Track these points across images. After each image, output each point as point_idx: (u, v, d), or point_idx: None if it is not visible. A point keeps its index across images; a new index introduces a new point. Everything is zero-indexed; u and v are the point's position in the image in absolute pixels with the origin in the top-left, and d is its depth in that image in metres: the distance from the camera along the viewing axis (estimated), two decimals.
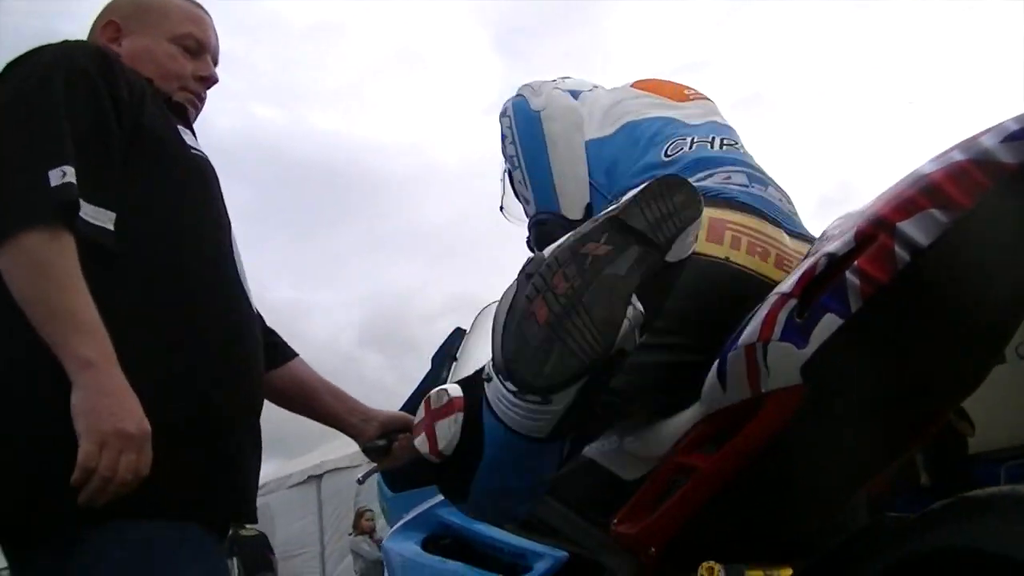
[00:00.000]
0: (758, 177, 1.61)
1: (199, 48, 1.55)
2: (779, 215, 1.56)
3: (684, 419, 1.38)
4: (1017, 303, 1.16)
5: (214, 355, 1.32)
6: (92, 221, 1.22)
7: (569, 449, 1.40)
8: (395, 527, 1.93)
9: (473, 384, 1.42)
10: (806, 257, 1.22)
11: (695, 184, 1.46)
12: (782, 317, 1.18)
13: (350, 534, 8.73)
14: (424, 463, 1.44)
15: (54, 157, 1.20)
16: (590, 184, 1.72)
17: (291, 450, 12.88)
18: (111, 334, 1.18)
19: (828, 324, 1.13)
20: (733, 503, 1.32)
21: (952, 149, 1.07)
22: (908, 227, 1.06)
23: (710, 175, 1.57)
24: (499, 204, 1.95)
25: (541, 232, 1.73)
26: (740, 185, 1.55)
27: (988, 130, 1.04)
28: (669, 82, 1.93)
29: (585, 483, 1.50)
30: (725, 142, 1.68)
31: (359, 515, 8.52)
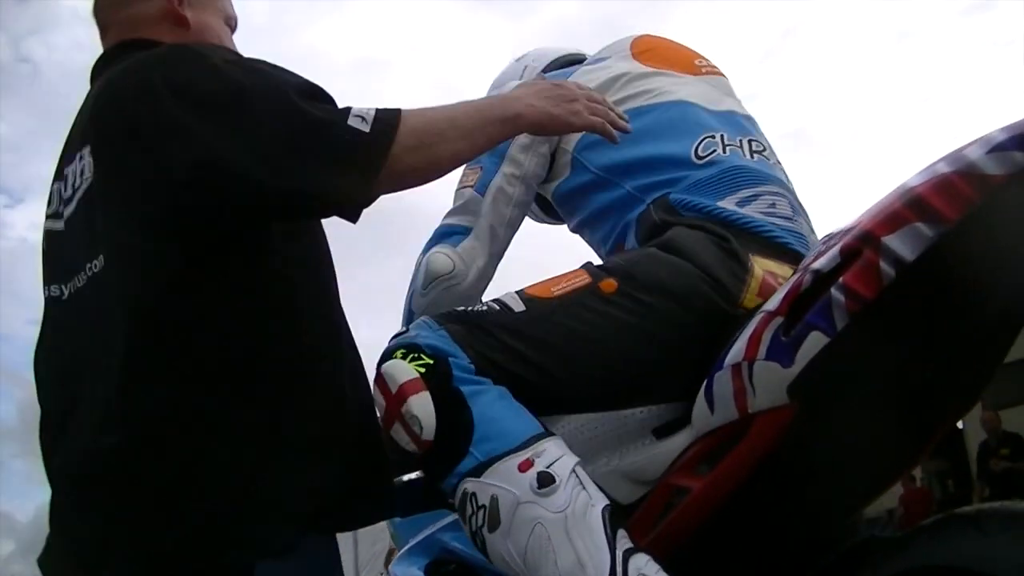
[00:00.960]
0: (796, 205, 1.55)
1: (234, 29, 1.50)
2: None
3: (678, 441, 1.36)
4: (1006, 316, 1.13)
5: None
6: None
7: None
8: (400, 552, 1.92)
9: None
10: (793, 274, 1.21)
11: (740, 200, 1.45)
12: (767, 336, 1.16)
13: (381, 574, 8.66)
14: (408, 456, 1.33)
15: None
16: (573, 158, 1.65)
17: None
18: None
19: (815, 342, 1.11)
20: (727, 525, 1.29)
21: (938, 161, 1.05)
22: (893, 241, 1.04)
23: (754, 197, 1.49)
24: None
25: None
26: (784, 218, 1.48)
27: (974, 141, 1.02)
28: (675, 45, 1.81)
29: None
30: (755, 148, 1.59)
31: (390, 553, 8.43)
